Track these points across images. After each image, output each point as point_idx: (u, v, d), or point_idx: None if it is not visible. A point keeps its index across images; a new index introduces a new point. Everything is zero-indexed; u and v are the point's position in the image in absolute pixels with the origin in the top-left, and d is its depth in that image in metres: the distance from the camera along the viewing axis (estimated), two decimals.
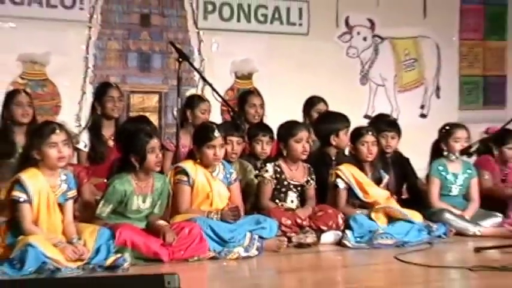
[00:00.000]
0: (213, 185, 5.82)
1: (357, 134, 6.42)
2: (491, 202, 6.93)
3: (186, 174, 5.75)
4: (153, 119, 8.06)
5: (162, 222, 5.46)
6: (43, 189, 5.04)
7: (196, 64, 8.03)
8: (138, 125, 6.49)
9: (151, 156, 5.44)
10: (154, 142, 5.50)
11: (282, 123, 6.51)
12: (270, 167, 6.24)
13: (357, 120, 7.28)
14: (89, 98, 7.62)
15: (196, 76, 8.10)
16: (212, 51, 8.81)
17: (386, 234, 6.03)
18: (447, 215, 6.53)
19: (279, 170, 6.24)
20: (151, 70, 8.50)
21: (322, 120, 7.13)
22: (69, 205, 5.20)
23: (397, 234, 6.06)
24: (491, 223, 6.66)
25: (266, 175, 6.21)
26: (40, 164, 5.06)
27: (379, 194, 6.37)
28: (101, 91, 7.13)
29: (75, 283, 2.79)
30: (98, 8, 8.19)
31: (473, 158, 7.34)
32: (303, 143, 6.27)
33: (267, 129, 6.75)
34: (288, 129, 6.39)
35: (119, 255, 5.01)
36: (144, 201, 5.51)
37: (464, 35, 10.63)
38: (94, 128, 6.96)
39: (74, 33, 8.09)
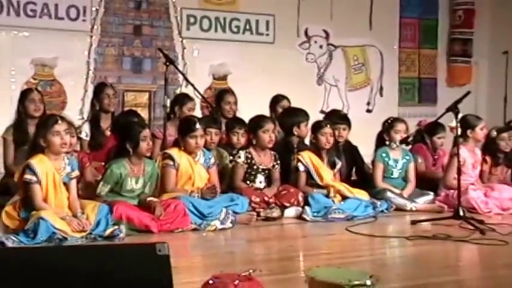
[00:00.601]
0: (194, 168, 5.79)
1: (317, 126, 6.40)
2: (424, 183, 6.94)
3: (172, 159, 5.72)
4: (144, 113, 8.02)
5: (152, 198, 5.43)
6: (49, 172, 5.00)
7: (180, 67, 7.95)
8: (131, 118, 6.46)
9: (144, 144, 5.41)
10: (146, 132, 5.48)
11: (252, 117, 6.48)
12: (242, 153, 6.21)
13: (314, 115, 7.27)
14: (90, 96, 7.51)
15: (180, 77, 8.03)
16: (193, 56, 8.75)
17: (339, 209, 6.02)
18: (389, 194, 6.53)
19: (249, 156, 6.22)
20: (142, 72, 8.44)
21: (285, 114, 7.09)
22: (73, 184, 5.16)
23: (348, 210, 6.04)
24: (424, 200, 6.67)
25: (239, 160, 6.19)
26: (46, 150, 5.01)
27: (330, 179, 6.35)
28: (99, 90, 7.05)
29: (80, 251, 2.75)
30: (98, 20, 8.13)
31: (410, 146, 7.37)
32: (269, 134, 6.25)
33: (242, 123, 6.71)
34: (257, 122, 6.36)
35: (115, 227, 4.99)
36: (137, 182, 5.48)
37: (403, 44, 10.61)
38: (93, 120, 6.88)
39: (78, 41, 8.02)
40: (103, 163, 5.97)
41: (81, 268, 2.41)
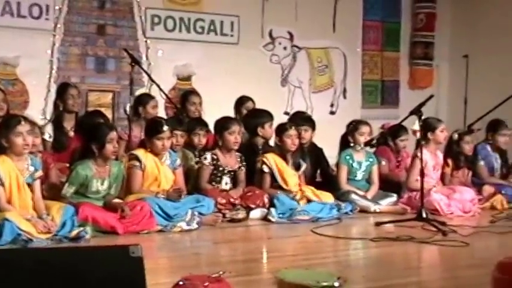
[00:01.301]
0: (160, 169, 5.82)
1: (283, 129, 6.45)
2: (388, 185, 7.04)
3: (139, 160, 5.74)
4: (108, 113, 7.94)
5: (118, 200, 5.45)
6: (13, 173, 4.98)
7: (144, 67, 7.95)
8: (96, 118, 6.45)
9: (110, 146, 5.42)
10: (113, 134, 5.48)
11: (218, 119, 6.50)
12: (208, 155, 6.25)
13: (278, 116, 7.30)
14: (53, 95, 7.47)
15: (145, 77, 8.02)
16: (158, 56, 8.74)
17: (304, 211, 6.08)
18: (353, 196, 6.62)
19: (215, 157, 6.26)
20: (106, 72, 8.40)
21: (250, 115, 7.15)
22: (37, 184, 5.15)
23: (312, 211, 6.11)
24: (388, 202, 6.76)
25: (205, 162, 6.23)
26: (8, 151, 4.99)
27: (294, 183, 6.40)
28: (62, 90, 7.03)
29: (53, 252, 2.77)
30: (61, 19, 8.05)
31: (374, 149, 7.46)
32: (235, 135, 6.29)
33: (203, 124, 6.76)
34: (223, 123, 6.39)
35: (81, 228, 4.99)
36: (102, 184, 5.49)
37: (366, 46, 10.72)
38: (56, 121, 6.86)
39: (41, 40, 7.93)
40: (67, 164, 5.95)
41: (54, 270, 2.44)
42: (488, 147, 7.55)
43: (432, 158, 6.79)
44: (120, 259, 2.47)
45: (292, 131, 6.41)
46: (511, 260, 3.39)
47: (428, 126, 6.62)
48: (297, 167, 6.49)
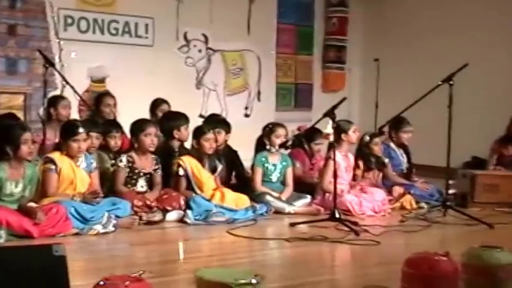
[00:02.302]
0: (76, 172, 5.80)
1: (200, 132, 6.51)
2: (302, 186, 7.16)
3: (54, 163, 5.71)
4: (19, 115, 7.86)
5: (32, 204, 5.40)
6: None
7: (57, 69, 7.94)
8: (10, 120, 6.40)
9: (25, 147, 5.38)
10: (27, 135, 5.43)
11: (134, 121, 6.51)
12: (124, 157, 6.28)
13: (193, 119, 7.32)
14: None
15: (58, 79, 8.01)
16: (71, 58, 8.72)
17: (220, 213, 6.14)
18: (268, 197, 6.70)
19: (131, 160, 6.28)
20: (17, 73, 8.33)
21: (166, 118, 7.16)
22: None
23: (228, 213, 6.18)
24: (302, 203, 6.87)
25: (120, 164, 6.25)
26: None
27: (211, 185, 6.48)
28: None
29: None
30: None
31: (289, 151, 7.59)
32: (151, 137, 6.31)
33: (118, 126, 6.79)
34: (139, 125, 6.41)
35: None
36: (16, 186, 5.43)
37: (280, 49, 10.94)
38: None
39: None
40: None
41: None
42: (392, 145, 7.81)
43: (344, 159, 6.94)
44: (43, 258, 2.54)
45: (210, 135, 6.49)
46: (418, 256, 3.62)
47: (340, 129, 6.77)
48: (213, 170, 6.58)
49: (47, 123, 6.57)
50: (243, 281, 3.13)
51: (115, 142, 6.64)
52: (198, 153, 6.49)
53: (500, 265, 3.66)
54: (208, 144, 6.46)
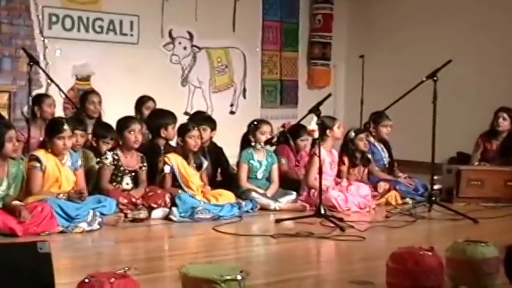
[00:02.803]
0: (61, 170, 5.77)
1: (185, 129, 6.49)
2: (287, 183, 7.18)
3: (39, 161, 5.67)
4: (4, 114, 7.84)
5: (17, 202, 5.37)
6: None
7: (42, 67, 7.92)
8: None
9: (9, 145, 5.35)
10: (12, 132, 5.40)
11: (119, 118, 6.50)
12: (109, 155, 6.26)
13: (179, 116, 7.29)
14: None
15: (43, 77, 7.99)
16: (55, 56, 8.70)
17: (205, 209, 6.14)
18: (253, 194, 6.71)
19: (116, 157, 6.26)
20: (1, 72, 8.29)
21: (153, 116, 7.16)
22: None
23: (214, 210, 6.18)
24: (287, 200, 6.86)
25: (106, 162, 6.23)
26: None
27: (197, 182, 6.49)
28: None
29: None
30: None
31: (274, 147, 7.62)
32: (135, 134, 6.30)
33: (111, 129, 6.71)
34: (123, 122, 6.40)
35: None
36: (0, 184, 5.40)
37: (265, 46, 10.96)
38: None
39: None
40: None
41: None
42: (372, 140, 7.82)
43: (328, 155, 6.96)
44: (27, 255, 2.54)
45: (195, 132, 6.48)
46: (403, 251, 3.64)
47: (325, 125, 6.77)
48: (199, 167, 6.57)
49: (31, 121, 6.53)
50: (228, 277, 3.15)
51: (107, 148, 6.58)
52: (183, 150, 6.48)
53: (484, 259, 3.70)
54: (193, 141, 6.46)
